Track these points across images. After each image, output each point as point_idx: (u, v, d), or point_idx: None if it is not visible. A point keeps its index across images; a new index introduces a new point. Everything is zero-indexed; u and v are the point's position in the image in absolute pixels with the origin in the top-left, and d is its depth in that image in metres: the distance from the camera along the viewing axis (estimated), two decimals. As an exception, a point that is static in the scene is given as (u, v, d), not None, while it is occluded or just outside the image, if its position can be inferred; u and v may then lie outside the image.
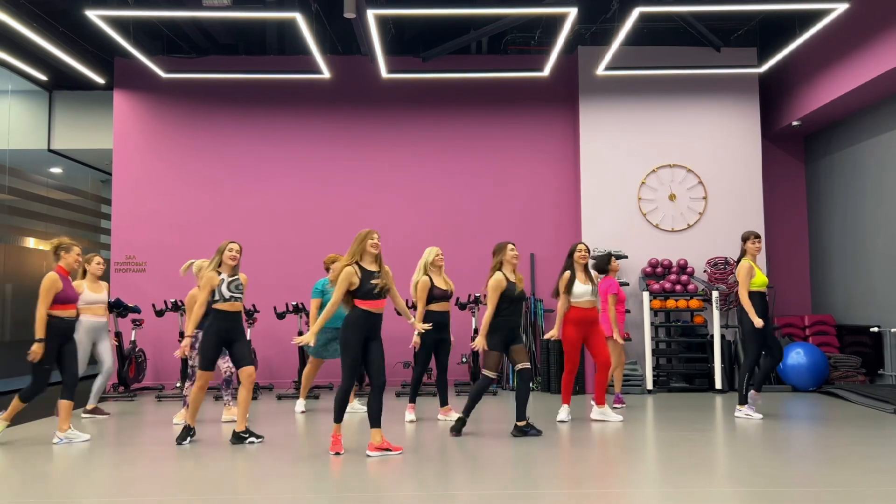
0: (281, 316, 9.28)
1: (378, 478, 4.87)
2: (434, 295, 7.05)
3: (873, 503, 4.12)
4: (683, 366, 9.57)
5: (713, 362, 9.26)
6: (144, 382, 9.88)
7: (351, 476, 4.90)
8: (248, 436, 6.05)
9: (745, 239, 7.17)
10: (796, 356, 9.02)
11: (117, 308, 8.88)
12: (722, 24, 9.82)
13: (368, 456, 5.45)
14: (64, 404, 6.18)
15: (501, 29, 9.53)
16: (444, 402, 7.29)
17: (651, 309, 9.42)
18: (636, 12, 7.68)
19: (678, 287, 9.62)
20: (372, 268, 5.56)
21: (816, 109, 9.50)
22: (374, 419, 5.54)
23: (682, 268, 9.78)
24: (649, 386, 9.21)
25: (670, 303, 9.52)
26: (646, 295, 9.44)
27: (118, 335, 9.06)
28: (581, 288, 6.85)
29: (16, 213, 11.44)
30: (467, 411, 6.37)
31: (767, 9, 8.64)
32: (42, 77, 10.33)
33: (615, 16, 8.86)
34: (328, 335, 7.42)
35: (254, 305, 9.39)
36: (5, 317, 10.62)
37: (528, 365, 6.28)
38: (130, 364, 9.21)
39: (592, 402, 7.18)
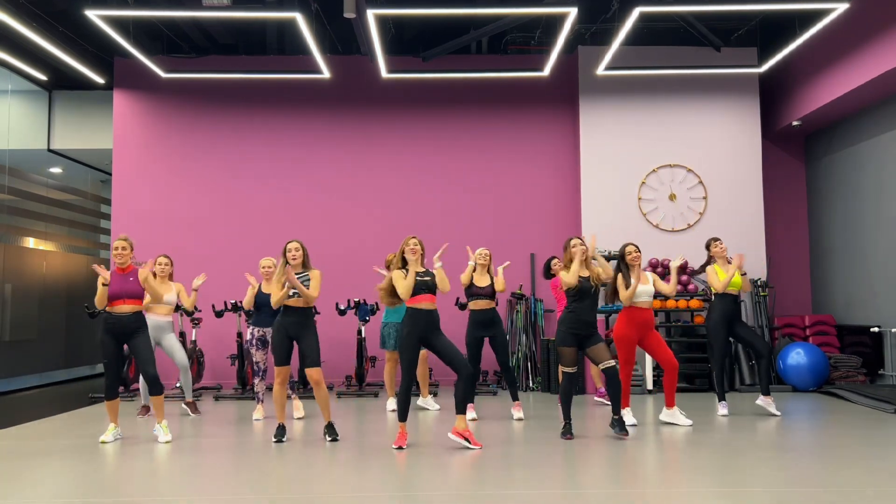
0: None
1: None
2: (472, 292, 7.22)
3: (874, 503, 4.11)
4: (683, 366, 9.54)
5: (713, 362, 9.25)
6: (144, 382, 9.87)
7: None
8: (330, 432, 6.15)
9: (707, 246, 7.47)
10: (797, 356, 9.02)
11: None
12: (722, 24, 9.82)
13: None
14: (152, 400, 6.21)
15: (501, 29, 9.52)
16: (514, 398, 7.32)
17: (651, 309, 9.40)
18: (636, 12, 7.67)
19: (678, 287, 9.62)
20: (416, 269, 5.89)
21: (816, 109, 9.50)
22: (458, 405, 5.76)
23: (682, 268, 9.77)
24: (649, 386, 9.20)
25: (670, 303, 9.51)
26: (646, 295, 9.42)
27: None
28: (638, 288, 6.67)
29: (16, 213, 11.43)
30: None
31: (767, 9, 8.64)
32: (42, 77, 10.31)
33: (615, 16, 8.85)
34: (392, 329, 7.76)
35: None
36: (5, 317, 10.60)
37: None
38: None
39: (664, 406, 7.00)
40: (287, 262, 6.11)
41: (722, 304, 7.26)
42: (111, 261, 6.33)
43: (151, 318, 7.32)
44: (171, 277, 7.73)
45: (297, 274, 6.12)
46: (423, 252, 5.96)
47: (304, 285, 6.09)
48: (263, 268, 7.45)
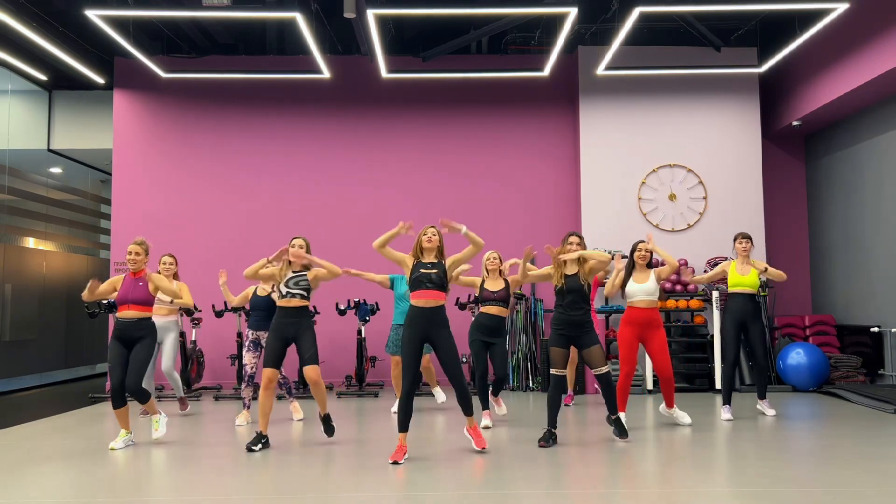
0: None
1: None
2: (483, 297, 6.87)
3: (873, 503, 4.11)
4: (683, 366, 9.55)
5: (713, 362, 9.25)
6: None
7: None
8: (329, 424, 6.07)
9: (734, 240, 7.33)
10: (797, 356, 9.02)
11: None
12: (722, 24, 9.82)
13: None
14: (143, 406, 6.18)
15: (501, 29, 9.52)
16: (485, 406, 6.90)
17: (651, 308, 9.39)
18: (636, 12, 7.67)
19: (678, 287, 9.62)
20: (429, 260, 5.53)
21: (816, 109, 9.50)
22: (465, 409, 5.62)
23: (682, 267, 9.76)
24: (649, 386, 9.20)
25: (670, 303, 9.51)
26: (646, 295, 9.42)
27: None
28: (634, 287, 6.56)
29: (16, 213, 11.43)
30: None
31: (767, 9, 8.64)
32: (42, 77, 10.32)
33: (615, 16, 8.85)
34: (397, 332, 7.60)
35: (254, 305, 9.38)
36: (5, 317, 10.60)
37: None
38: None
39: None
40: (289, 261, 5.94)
41: (731, 304, 7.13)
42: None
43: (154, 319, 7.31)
44: (176, 277, 7.68)
45: (295, 273, 5.90)
46: (442, 246, 5.57)
47: (299, 285, 5.87)
48: None
